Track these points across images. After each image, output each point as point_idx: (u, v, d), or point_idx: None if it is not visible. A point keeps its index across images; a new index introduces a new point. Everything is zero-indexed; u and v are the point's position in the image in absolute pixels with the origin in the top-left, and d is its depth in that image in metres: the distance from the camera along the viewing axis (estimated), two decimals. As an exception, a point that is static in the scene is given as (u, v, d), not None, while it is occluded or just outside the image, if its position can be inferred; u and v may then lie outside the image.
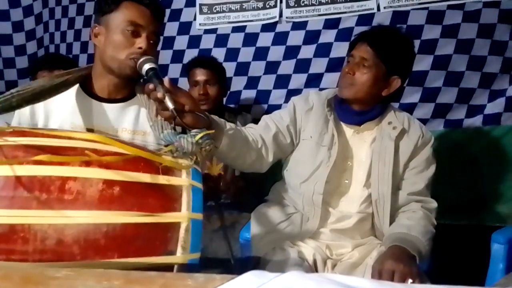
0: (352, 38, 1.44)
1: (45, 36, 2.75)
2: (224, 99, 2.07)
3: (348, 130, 1.42)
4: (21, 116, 1.13)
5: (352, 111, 1.39)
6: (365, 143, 1.40)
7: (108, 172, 0.75)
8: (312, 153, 1.38)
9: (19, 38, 2.79)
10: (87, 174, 0.74)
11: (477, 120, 1.98)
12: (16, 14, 2.76)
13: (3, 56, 2.81)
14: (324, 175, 1.35)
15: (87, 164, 0.75)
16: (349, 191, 1.39)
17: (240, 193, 1.72)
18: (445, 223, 1.48)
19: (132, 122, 1.18)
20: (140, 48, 1.09)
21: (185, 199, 0.79)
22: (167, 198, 0.79)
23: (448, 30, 1.94)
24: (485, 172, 1.92)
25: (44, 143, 0.78)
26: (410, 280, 1.11)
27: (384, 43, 1.33)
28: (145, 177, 0.78)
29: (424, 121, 1.97)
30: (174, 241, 0.77)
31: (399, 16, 1.98)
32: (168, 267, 0.76)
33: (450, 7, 1.93)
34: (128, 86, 1.18)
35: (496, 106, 1.94)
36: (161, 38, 1.22)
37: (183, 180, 0.82)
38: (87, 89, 1.17)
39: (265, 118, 1.42)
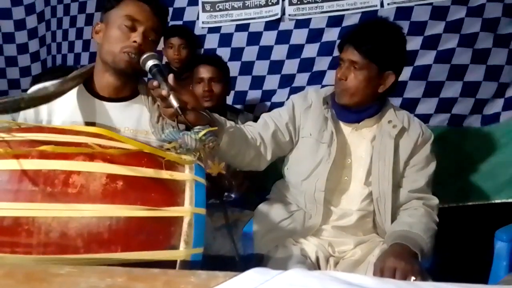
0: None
1: (47, 35, 2.75)
2: (227, 98, 2.07)
3: (346, 127, 1.41)
4: (26, 115, 1.13)
5: (349, 110, 1.39)
6: (364, 140, 1.39)
7: (111, 166, 0.75)
8: (312, 151, 1.38)
9: (21, 37, 2.79)
10: (91, 168, 0.75)
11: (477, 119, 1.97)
12: (18, 12, 2.75)
13: (5, 54, 2.81)
14: (325, 172, 1.34)
15: (91, 158, 0.75)
16: (349, 188, 1.38)
17: (248, 191, 1.72)
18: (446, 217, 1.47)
19: (135, 121, 1.17)
20: (134, 42, 1.08)
21: (188, 194, 0.80)
22: (170, 192, 0.80)
23: (451, 25, 1.93)
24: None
25: (49, 138, 0.78)
26: (412, 278, 1.11)
27: (370, 43, 1.30)
28: (148, 172, 0.78)
29: (427, 117, 1.95)
30: (177, 236, 0.77)
31: (403, 12, 1.97)
32: (171, 262, 0.76)
33: (454, 2, 1.92)
34: (130, 85, 1.18)
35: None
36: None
37: (186, 175, 0.82)
38: (90, 88, 1.17)
39: (264, 116, 1.42)
